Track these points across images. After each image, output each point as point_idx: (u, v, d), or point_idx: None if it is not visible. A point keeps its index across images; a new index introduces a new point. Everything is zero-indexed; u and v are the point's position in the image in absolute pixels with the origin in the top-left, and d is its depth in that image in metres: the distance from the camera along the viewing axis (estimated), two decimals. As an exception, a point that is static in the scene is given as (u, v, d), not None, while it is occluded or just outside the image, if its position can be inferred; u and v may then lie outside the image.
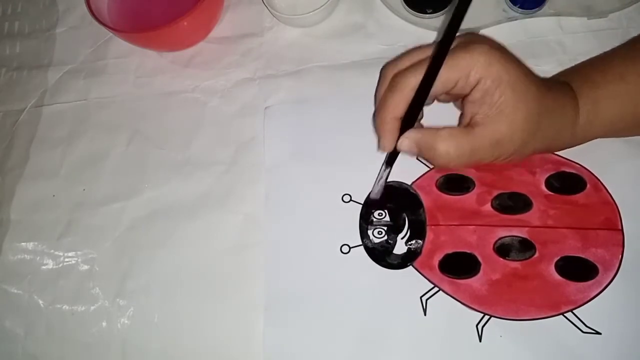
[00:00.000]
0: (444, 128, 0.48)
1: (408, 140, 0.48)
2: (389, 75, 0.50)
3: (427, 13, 0.61)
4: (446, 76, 0.46)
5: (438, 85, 0.46)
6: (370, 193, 0.55)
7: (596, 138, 0.51)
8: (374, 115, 0.52)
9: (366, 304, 0.51)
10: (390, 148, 0.50)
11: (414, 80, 0.47)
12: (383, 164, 0.52)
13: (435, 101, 0.54)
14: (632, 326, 0.47)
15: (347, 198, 0.55)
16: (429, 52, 0.48)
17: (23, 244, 0.60)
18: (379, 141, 0.51)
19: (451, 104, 0.55)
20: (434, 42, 0.58)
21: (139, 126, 0.65)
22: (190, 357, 0.54)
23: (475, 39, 0.47)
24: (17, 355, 0.56)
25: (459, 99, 0.51)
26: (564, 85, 0.49)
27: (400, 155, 0.51)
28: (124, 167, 0.63)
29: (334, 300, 0.52)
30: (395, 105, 0.48)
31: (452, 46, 0.45)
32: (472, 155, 0.47)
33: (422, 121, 0.53)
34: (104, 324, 0.56)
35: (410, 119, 0.48)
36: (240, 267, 0.55)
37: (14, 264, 0.60)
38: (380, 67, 0.53)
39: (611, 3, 0.58)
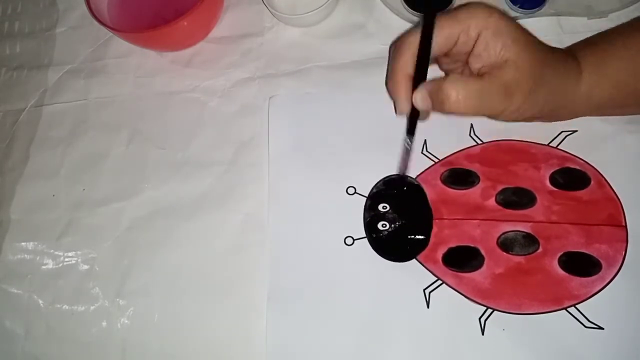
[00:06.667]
0: (453, 74, 0.49)
1: (420, 93, 0.48)
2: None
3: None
4: (448, 31, 0.47)
5: (442, 41, 0.48)
6: (398, 168, 0.54)
7: (600, 110, 0.51)
8: (387, 81, 0.53)
9: (369, 295, 0.51)
10: (407, 108, 0.49)
11: (415, 38, 0.47)
12: (405, 135, 0.51)
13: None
14: (635, 321, 0.47)
15: (351, 190, 0.55)
16: None
17: (23, 244, 0.60)
18: (395, 105, 0.50)
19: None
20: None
21: (139, 126, 0.64)
22: (190, 357, 0.53)
23: (474, 1, 0.48)
24: (17, 355, 0.56)
25: (464, 60, 0.51)
26: (565, 50, 0.51)
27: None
28: (124, 167, 0.63)
29: (337, 291, 0.52)
30: (403, 63, 0.49)
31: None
32: (480, 99, 0.47)
33: None
34: (104, 324, 0.55)
35: (420, 73, 0.48)
36: (240, 266, 0.55)
37: (14, 264, 0.59)
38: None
39: (611, 3, 0.58)
